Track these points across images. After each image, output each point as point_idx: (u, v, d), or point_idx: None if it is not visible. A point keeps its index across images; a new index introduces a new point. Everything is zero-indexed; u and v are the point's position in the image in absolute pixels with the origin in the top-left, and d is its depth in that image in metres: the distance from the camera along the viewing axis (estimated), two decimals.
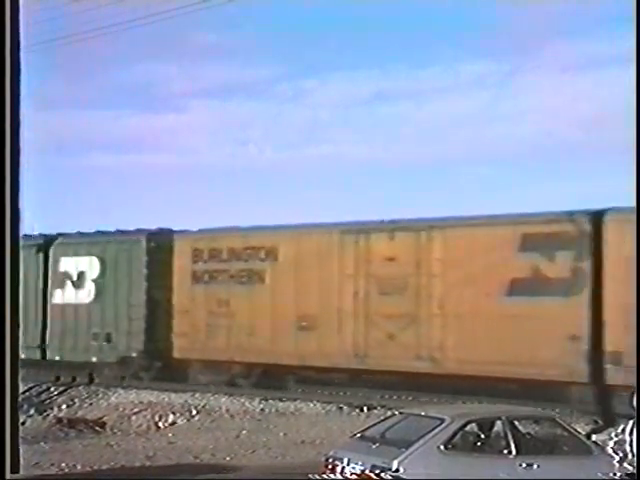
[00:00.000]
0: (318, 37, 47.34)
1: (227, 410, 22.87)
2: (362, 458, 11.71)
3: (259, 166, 46.89)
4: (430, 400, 20.74)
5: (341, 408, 21.95)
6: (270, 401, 22.97)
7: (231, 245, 25.01)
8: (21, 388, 24.19)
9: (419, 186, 43.60)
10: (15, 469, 14.33)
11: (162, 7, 23.42)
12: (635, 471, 11.96)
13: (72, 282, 27.75)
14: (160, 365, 26.24)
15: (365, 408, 21.65)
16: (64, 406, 25.03)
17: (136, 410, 23.52)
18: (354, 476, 11.65)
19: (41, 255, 28.05)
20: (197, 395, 24.00)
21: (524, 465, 11.58)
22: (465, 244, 21.13)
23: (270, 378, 24.31)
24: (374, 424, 13.14)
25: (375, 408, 21.44)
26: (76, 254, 27.75)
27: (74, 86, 49.40)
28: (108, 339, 26.90)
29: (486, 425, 12.18)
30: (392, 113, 45.75)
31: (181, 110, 52.44)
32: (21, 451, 14.74)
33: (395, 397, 22.51)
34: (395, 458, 11.35)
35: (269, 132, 49.77)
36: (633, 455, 12.50)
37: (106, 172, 47.74)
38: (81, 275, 27.59)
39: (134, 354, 26.44)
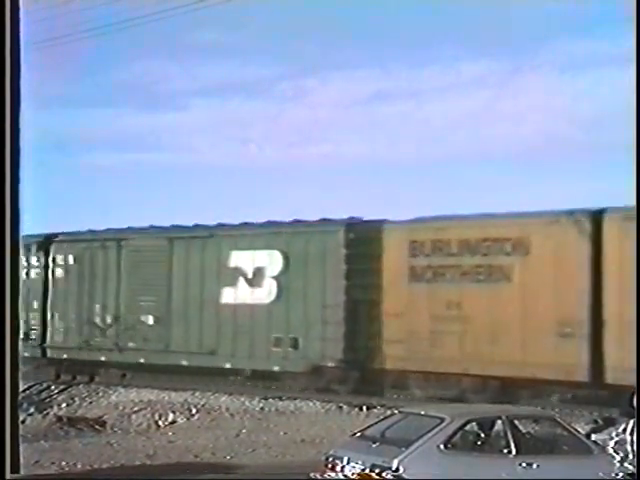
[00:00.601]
0: (318, 37, 47.33)
1: (227, 409, 22.88)
2: (362, 457, 11.70)
3: (259, 165, 46.90)
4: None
5: (340, 407, 21.96)
6: (270, 400, 22.99)
7: (464, 236, 21.44)
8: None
9: (419, 185, 43.56)
10: (15, 469, 14.33)
11: (162, 6, 23.43)
12: (635, 471, 11.97)
13: (246, 279, 24.52)
14: (358, 376, 23.15)
15: (364, 407, 21.66)
16: (64, 404, 25.07)
17: (136, 409, 23.52)
18: (354, 475, 11.66)
19: (204, 249, 25.25)
20: (197, 394, 24.01)
21: (524, 465, 11.57)
22: None
23: (505, 393, 20.59)
24: (374, 423, 13.15)
25: (375, 407, 21.44)
26: (251, 247, 24.54)
27: (74, 85, 49.41)
28: (295, 345, 23.71)
29: (486, 424, 12.17)
30: (392, 113, 45.69)
31: (181, 109, 52.47)
32: (21, 449, 14.75)
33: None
34: (395, 457, 11.35)
35: (269, 131, 49.76)
36: (634, 455, 12.48)
37: (106, 171, 47.77)
38: (258, 271, 24.31)
39: (330, 363, 23.19)
